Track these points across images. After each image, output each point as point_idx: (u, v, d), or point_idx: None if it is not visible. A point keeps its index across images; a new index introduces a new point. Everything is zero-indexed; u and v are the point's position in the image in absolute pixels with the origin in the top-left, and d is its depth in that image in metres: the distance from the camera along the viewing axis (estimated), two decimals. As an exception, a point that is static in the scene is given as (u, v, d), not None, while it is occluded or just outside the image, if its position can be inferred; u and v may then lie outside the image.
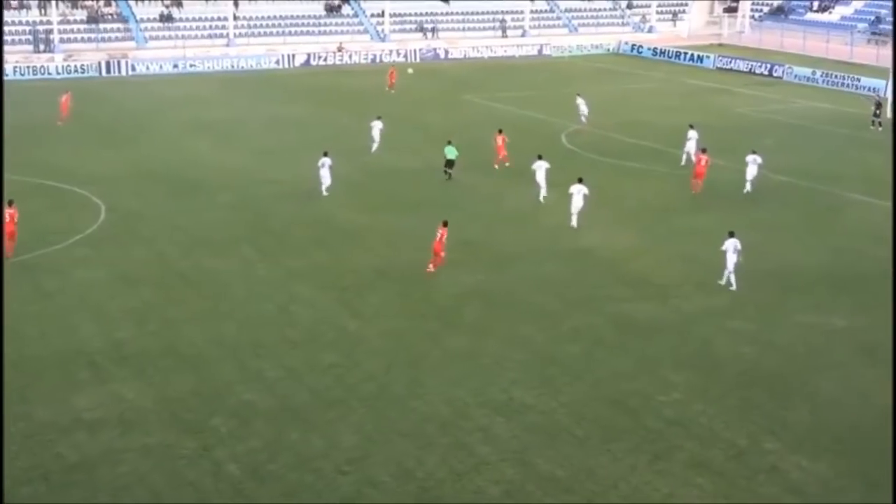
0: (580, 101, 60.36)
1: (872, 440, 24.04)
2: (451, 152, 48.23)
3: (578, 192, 40.31)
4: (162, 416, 24.60)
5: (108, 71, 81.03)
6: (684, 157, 50.95)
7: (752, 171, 46.17)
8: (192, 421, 24.42)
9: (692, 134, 51.25)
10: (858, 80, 76.16)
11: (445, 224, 34.75)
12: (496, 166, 49.46)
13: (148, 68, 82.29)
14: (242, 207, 42.81)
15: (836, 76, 78.84)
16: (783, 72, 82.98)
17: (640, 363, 28.05)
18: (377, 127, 52.48)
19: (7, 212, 35.39)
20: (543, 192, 43.50)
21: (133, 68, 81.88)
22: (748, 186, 46.09)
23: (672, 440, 23.82)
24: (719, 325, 30.77)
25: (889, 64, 74.96)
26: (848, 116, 64.34)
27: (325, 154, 45.10)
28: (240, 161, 51.16)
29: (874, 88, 70.12)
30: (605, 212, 41.87)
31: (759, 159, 46.25)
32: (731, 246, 33.39)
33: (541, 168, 43.32)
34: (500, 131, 50.73)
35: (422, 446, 23.38)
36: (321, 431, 24.01)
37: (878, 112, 61.89)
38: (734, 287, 33.50)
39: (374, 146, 52.29)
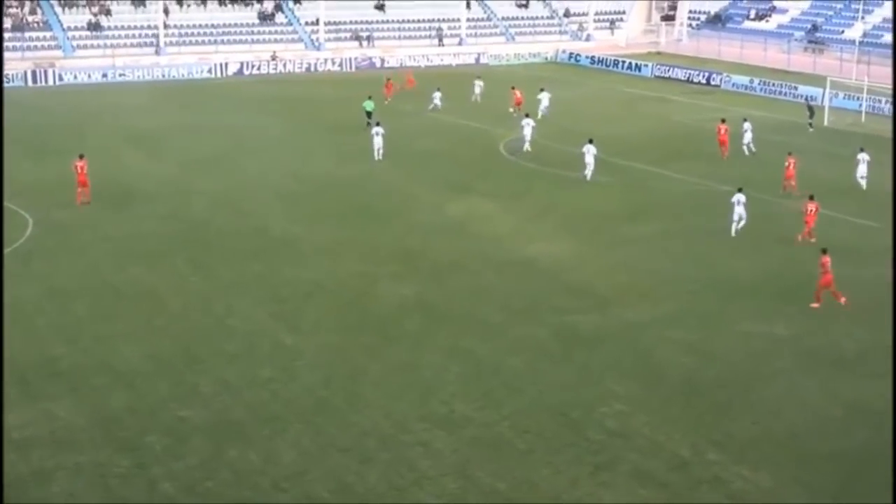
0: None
1: (813, 448, 24.12)
2: (368, 105, 60.01)
3: (588, 152, 47.63)
4: (95, 435, 24.06)
5: (35, 80, 79.47)
6: (540, 113, 62.50)
7: (862, 170, 47.79)
8: (126, 438, 23.91)
9: (543, 96, 64.46)
10: (795, 88, 76.75)
11: (825, 251, 33.03)
12: (511, 110, 63.02)
13: (76, 77, 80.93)
14: (175, 218, 42.13)
15: (773, 84, 79.43)
16: (721, 80, 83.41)
17: (583, 374, 27.90)
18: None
19: (77, 164, 43.04)
20: (588, 172, 47.83)
21: (60, 78, 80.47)
22: (863, 184, 47.64)
23: (614, 451, 23.69)
24: (662, 334, 30.65)
25: (825, 72, 76.14)
26: (785, 124, 64.91)
27: (378, 124, 53.31)
28: (172, 171, 50.47)
29: (811, 96, 70.91)
30: (546, 221, 41.80)
31: (867, 157, 47.87)
32: (737, 199, 39.85)
33: (589, 152, 47.68)
34: (514, 87, 66.85)
35: (362, 461, 23.06)
36: (259, 447, 23.59)
37: (811, 115, 63.43)
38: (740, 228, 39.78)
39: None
